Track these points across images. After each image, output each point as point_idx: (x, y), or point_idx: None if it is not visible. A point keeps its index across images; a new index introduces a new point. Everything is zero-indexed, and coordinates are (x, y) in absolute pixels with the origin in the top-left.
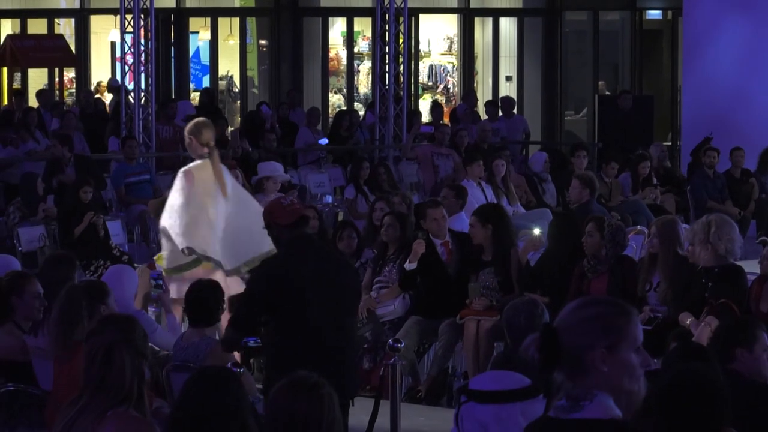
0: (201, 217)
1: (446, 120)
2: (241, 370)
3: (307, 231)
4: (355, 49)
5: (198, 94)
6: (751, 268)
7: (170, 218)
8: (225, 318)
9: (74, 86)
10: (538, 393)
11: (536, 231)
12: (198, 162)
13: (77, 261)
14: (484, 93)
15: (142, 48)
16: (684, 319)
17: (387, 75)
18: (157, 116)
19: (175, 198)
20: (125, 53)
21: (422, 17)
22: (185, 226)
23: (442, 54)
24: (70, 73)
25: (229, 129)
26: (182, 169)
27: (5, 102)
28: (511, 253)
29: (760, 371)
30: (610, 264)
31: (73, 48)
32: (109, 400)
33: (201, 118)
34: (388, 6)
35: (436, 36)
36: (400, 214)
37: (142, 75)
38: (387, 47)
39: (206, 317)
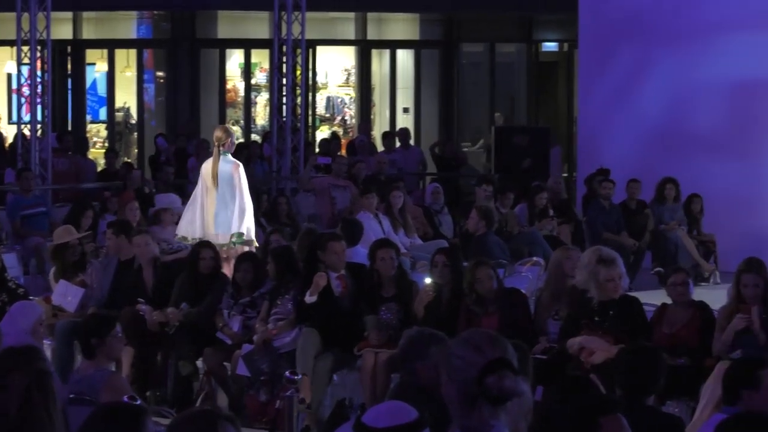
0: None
1: (343, 152)
2: (139, 402)
3: None
4: (253, 81)
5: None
6: (647, 298)
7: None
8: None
9: None
10: (425, 426)
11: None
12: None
13: None
14: (381, 124)
15: (39, 80)
16: (571, 345)
17: (284, 107)
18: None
19: None
20: (22, 85)
21: (319, 49)
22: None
23: (340, 86)
24: None
25: (124, 159)
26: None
27: None
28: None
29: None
30: (498, 301)
31: None
32: None
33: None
34: (285, 38)
35: (334, 68)
36: (277, 251)
37: (39, 107)
38: (284, 79)
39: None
